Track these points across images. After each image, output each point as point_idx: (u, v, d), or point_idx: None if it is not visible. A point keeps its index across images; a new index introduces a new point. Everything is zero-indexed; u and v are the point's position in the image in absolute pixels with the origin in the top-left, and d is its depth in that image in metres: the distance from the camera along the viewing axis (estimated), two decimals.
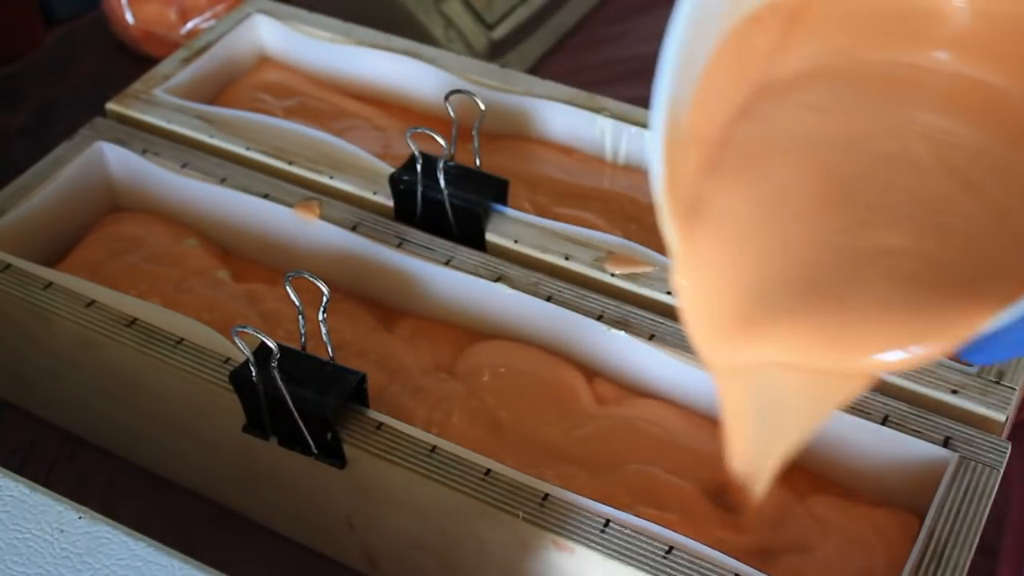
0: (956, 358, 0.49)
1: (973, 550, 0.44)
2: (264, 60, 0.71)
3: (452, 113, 0.57)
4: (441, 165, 0.55)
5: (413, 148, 0.56)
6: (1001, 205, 0.36)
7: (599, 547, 0.44)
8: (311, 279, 0.47)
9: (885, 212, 0.36)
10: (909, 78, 0.40)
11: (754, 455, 0.40)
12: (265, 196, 0.59)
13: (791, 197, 0.37)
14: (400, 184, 0.57)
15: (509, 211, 0.57)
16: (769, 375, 0.36)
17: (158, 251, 0.60)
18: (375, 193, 0.59)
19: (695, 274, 0.36)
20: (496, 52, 0.78)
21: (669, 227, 0.35)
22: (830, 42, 0.42)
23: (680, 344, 0.51)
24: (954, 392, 0.49)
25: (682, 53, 0.35)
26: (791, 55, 0.41)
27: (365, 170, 0.60)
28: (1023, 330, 0.32)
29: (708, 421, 0.52)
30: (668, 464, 0.50)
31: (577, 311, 0.53)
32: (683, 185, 0.36)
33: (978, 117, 0.39)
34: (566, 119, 0.64)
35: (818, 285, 0.34)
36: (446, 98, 0.56)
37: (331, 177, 0.60)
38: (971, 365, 0.49)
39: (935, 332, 0.32)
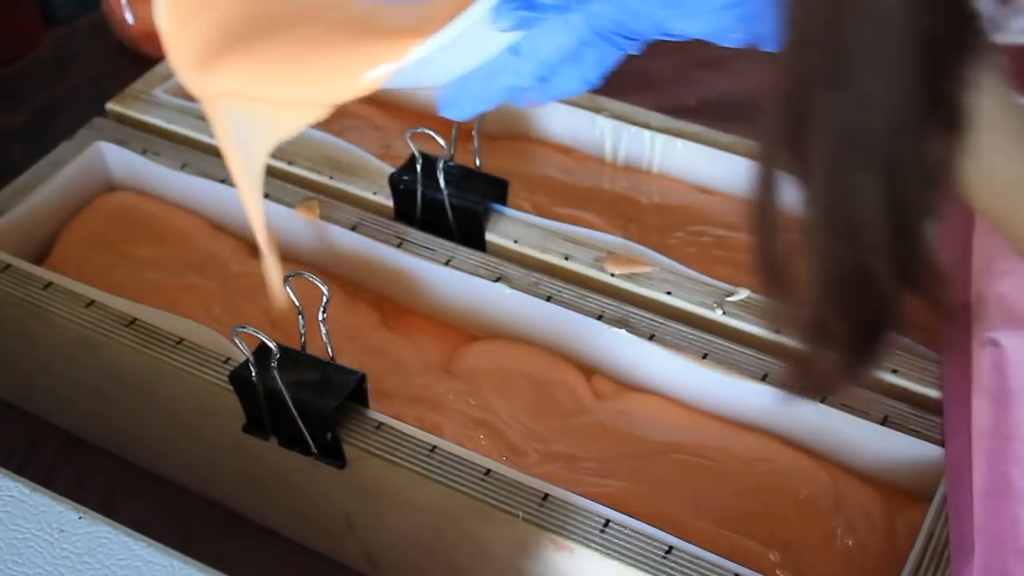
0: None
1: None
2: None
3: None
4: (441, 165, 0.55)
5: (413, 148, 0.56)
6: None
7: (599, 547, 0.44)
8: (311, 279, 0.47)
9: None
10: None
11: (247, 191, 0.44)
12: (265, 196, 0.59)
13: None
14: (400, 184, 0.57)
15: (509, 211, 0.57)
16: (238, 105, 0.40)
17: (159, 250, 0.60)
18: (375, 193, 0.59)
19: (174, 11, 0.40)
20: None
21: None
22: None
23: (680, 344, 0.51)
24: None
25: None
26: None
27: (365, 170, 0.60)
28: (479, 81, 0.37)
29: (706, 416, 0.52)
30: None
31: (577, 311, 0.53)
32: None
33: None
34: (566, 119, 0.64)
35: (273, 31, 0.39)
36: None
37: (331, 177, 0.60)
38: None
39: (357, 65, 0.37)
